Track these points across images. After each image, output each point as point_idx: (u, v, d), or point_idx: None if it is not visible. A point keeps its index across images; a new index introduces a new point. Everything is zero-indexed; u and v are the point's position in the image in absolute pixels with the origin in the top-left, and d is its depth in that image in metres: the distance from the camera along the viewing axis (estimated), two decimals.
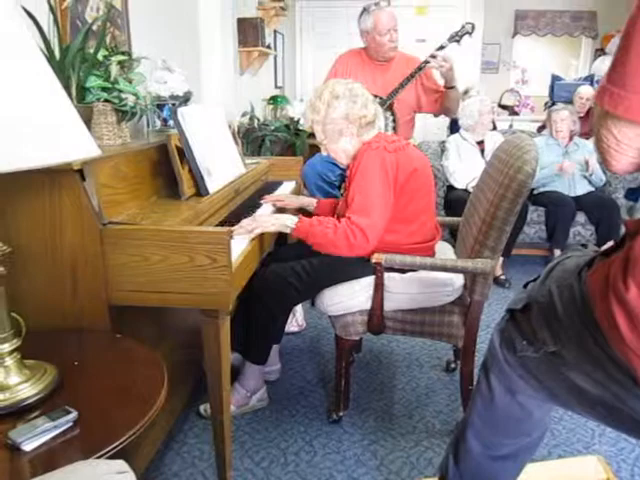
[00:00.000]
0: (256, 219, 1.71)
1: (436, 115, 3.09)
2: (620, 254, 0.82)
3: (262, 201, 2.08)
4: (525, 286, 1.07)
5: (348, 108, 1.75)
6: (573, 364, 0.90)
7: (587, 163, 3.56)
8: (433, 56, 2.68)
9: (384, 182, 1.69)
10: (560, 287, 0.93)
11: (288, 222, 1.72)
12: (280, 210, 2.05)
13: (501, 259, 3.32)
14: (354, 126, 1.77)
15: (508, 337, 1.05)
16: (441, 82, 2.84)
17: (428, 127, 5.30)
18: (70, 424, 0.98)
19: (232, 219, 1.81)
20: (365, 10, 2.83)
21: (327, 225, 1.67)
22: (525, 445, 1.18)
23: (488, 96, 3.98)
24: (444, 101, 2.86)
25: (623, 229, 0.87)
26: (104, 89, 1.60)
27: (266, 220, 1.71)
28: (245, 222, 1.68)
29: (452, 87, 2.78)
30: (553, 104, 4.96)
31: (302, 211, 2.14)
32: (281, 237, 2.11)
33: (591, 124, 3.99)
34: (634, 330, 0.78)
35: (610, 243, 0.91)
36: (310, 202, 2.17)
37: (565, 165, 3.52)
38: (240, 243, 1.61)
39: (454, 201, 3.44)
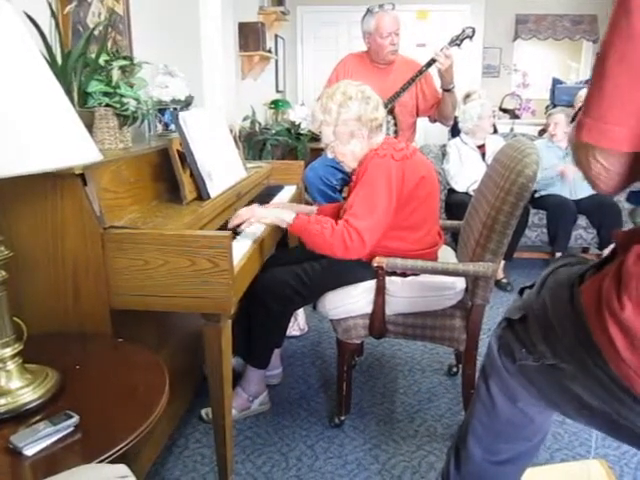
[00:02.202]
0: (253, 209, 1.75)
1: (432, 121, 3.08)
2: (612, 268, 0.80)
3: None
4: (520, 292, 1.06)
5: (361, 109, 1.74)
6: (573, 377, 0.88)
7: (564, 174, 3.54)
8: (438, 55, 2.66)
9: (387, 190, 1.69)
10: (554, 301, 0.92)
11: (286, 217, 1.73)
12: None
13: (503, 262, 3.32)
14: (365, 128, 1.76)
15: (507, 345, 1.04)
16: (439, 85, 2.83)
17: (429, 131, 5.31)
18: (71, 429, 0.97)
19: None
20: (369, 11, 2.84)
21: (324, 225, 1.67)
22: (526, 450, 1.17)
23: (489, 100, 3.99)
24: (440, 105, 2.86)
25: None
26: (106, 94, 1.61)
27: (263, 212, 1.76)
28: (242, 211, 1.74)
29: (449, 90, 2.78)
30: (554, 107, 4.97)
31: None
32: (282, 241, 2.10)
33: None
34: (633, 349, 0.76)
35: (611, 247, 0.90)
36: (310, 210, 2.16)
37: (566, 170, 3.52)
38: (242, 246, 1.61)
39: (455, 205, 3.43)
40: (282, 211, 1.78)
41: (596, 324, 0.81)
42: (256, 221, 1.74)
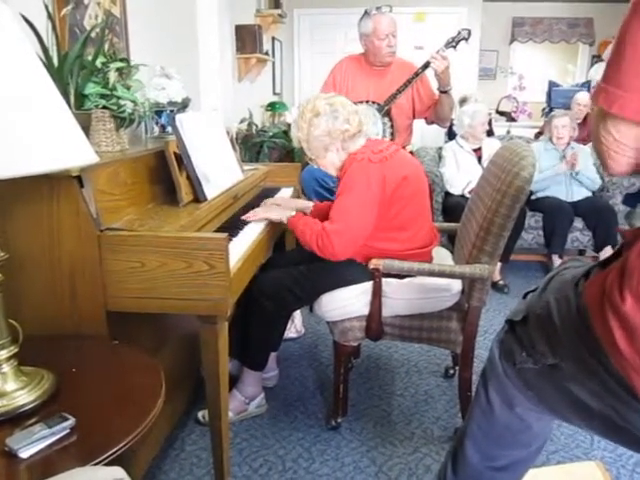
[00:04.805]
0: (270, 209, 1.98)
1: (429, 122, 3.08)
2: (616, 264, 0.81)
3: (262, 205, 2.10)
4: (525, 297, 1.06)
5: (329, 125, 1.78)
6: (572, 377, 0.89)
7: (573, 164, 3.54)
8: (434, 58, 2.67)
9: (363, 194, 1.71)
10: (557, 299, 0.92)
11: (288, 214, 1.89)
12: None
13: (499, 265, 3.33)
14: (337, 140, 1.80)
15: (508, 349, 1.04)
16: (435, 87, 2.84)
17: (426, 133, 5.32)
18: (67, 431, 0.97)
19: (230, 225, 1.82)
20: (366, 14, 2.84)
21: (308, 225, 1.78)
22: (524, 456, 1.17)
23: (485, 102, 4.00)
24: (437, 107, 2.87)
25: (620, 238, 0.87)
26: (102, 96, 1.61)
27: (273, 209, 1.99)
28: (258, 209, 1.96)
29: (446, 92, 2.79)
30: (550, 110, 4.99)
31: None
32: (280, 243, 2.11)
33: (589, 129, 4.00)
34: (631, 343, 0.76)
35: (609, 251, 0.91)
36: (306, 205, 2.19)
37: (568, 157, 3.52)
38: (239, 248, 1.61)
39: (452, 207, 3.44)
40: (286, 211, 1.92)
41: (598, 318, 0.81)
42: (267, 216, 1.91)
